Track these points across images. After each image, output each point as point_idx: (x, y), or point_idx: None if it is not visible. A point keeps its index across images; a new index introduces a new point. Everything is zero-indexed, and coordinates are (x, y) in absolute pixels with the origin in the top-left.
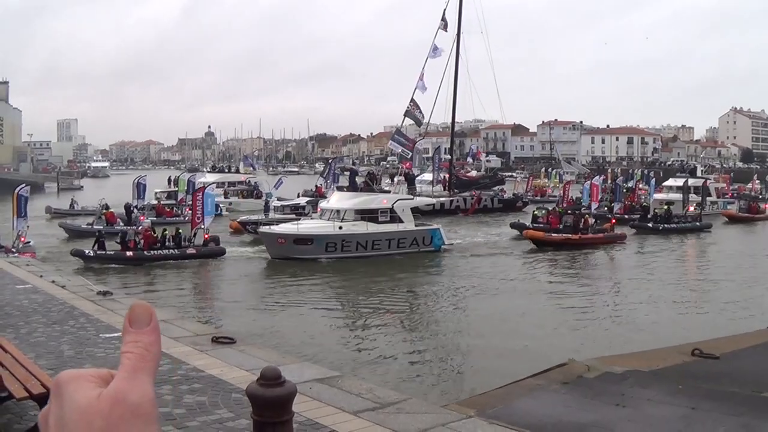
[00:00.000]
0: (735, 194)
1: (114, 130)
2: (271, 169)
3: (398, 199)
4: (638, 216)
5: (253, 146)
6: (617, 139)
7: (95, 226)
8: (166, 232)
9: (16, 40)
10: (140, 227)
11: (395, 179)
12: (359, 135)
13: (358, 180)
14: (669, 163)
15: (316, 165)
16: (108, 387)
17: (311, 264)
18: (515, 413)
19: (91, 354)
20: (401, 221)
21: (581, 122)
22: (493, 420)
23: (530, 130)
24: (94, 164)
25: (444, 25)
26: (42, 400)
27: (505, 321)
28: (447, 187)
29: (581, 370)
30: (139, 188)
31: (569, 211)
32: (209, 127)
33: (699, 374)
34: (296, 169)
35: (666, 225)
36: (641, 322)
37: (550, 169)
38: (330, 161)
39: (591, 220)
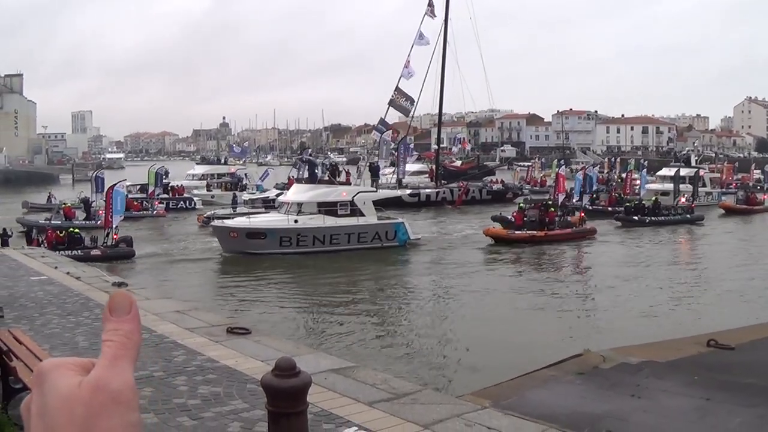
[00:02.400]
0: (738, 184)
1: (129, 122)
2: (286, 159)
3: (359, 192)
4: (623, 208)
5: (268, 137)
6: (632, 128)
7: (53, 222)
8: (77, 231)
9: (40, 34)
10: (99, 222)
11: (357, 170)
12: (373, 125)
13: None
14: (684, 152)
15: (330, 155)
16: (89, 375)
17: (264, 259)
18: (530, 404)
19: None
20: (362, 215)
21: (596, 112)
22: (508, 411)
23: (545, 120)
24: (108, 156)
25: (431, 10)
26: None
27: (517, 314)
28: (434, 179)
29: (597, 361)
30: (158, 178)
31: (533, 205)
32: (224, 118)
33: (714, 365)
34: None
35: (654, 218)
36: (655, 313)
37: (559, 159)
38: (302, 152)
39: (568, 214)
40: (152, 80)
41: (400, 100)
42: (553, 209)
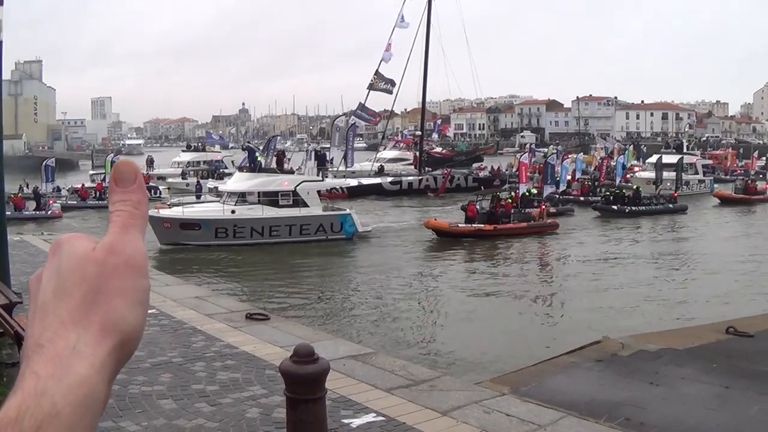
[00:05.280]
0: (743, 171)
1: (149, 108)
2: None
3: (302, 181)
4: (602, 198)
5: (288, 123)
6: (652, 114)
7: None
8: None
9: (73, 20)
10: (50, 212)
11: (303, 158)
12: (393, 111)
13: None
14: (704, 138)
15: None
16: (103, 240)
17: (199, 251)
18: (548, 391)
19: None
20: (306, 205)
21: (616, 98)
22: (527, 398)
23: (565, 106)
24: (128, 142)
25: None
26: None
27: (536, 301)
28: (417, 166)
29: (615, 348)
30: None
31: (481, 197)
32: (243, 104)
33: (733, 352)
34: (328, 145)
35: (634, 207)
36: (675, 300)
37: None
38: (271, 138)
39: (536, 207)
40: (175, 67)
41: (380, 84)
42: (510, 201)
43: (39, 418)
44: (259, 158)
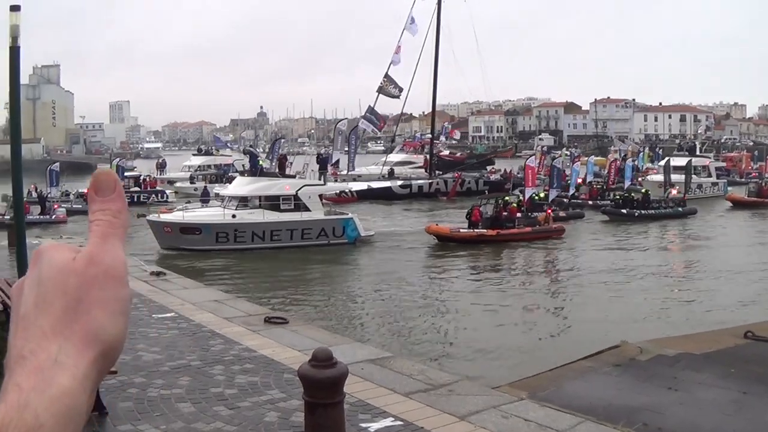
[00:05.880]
0: (757, 174)
1: (167, 112)
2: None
3: (304, 185)
4: (611, 201)
5: (306, 126)
6: (670, 116)
7: (5, 217)
8: None
9: (96, 22)
10: (54, 216)
11: (304, 162)
12: (411, 114)
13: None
14: (722, 141)
15: (369, 144)
16: (82, 251)
17: (200, 255)
18: (566, 396)
19: (144, 334)
20: (307, 209)
21: (634, 100)
22: (545, 402)
23: (582, 108)
24: (146, 145)
25: None
26: None
27: (548, 306)
28: (428, 169)
29: (634, 353)
30: (119, 171)
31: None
32: (261, 107)
33: (751, 357)
34: (347, 148)
35: (643, 211)
36: (691, 305)
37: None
38: (275, 140)
39: (547, 211)
40: (194, 70)
41: (389, 87)
42: (515, 205)
43: (22, 431)
44: (261, 162)
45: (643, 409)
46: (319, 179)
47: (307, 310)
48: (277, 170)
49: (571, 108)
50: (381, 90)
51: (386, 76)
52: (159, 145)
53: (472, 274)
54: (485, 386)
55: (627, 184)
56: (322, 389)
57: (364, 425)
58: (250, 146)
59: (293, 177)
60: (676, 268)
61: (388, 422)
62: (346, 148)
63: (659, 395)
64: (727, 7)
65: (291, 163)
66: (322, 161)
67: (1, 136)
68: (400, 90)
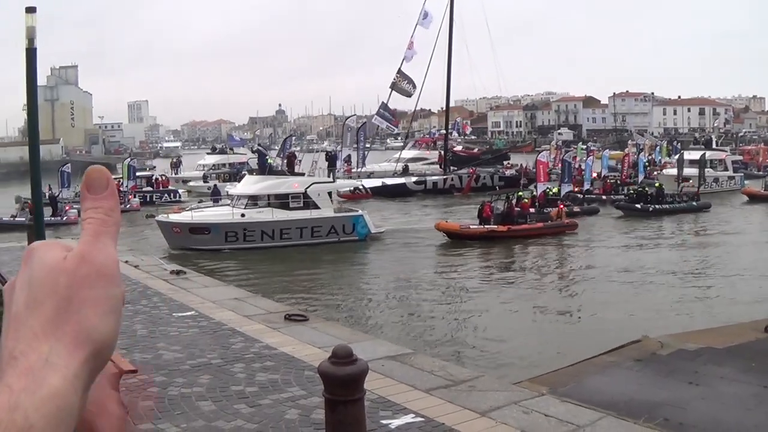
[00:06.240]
0: None
1: (185, 111)
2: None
3: (313, 183)
4: (625, 196)
5: (324, 123)
6: (689, 110)
7: (17, 219)
8: None
9: (120, 21)
10: (65, 218)
11: (313, 159)
12: (429, 110)
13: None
14: (741, 134)
15: (388, 141)
16: (74, 250)
17: (210, 254)
18: (588, 391)
19: (164, 333)
20: (317, 207)
21: (653, 93)
22: (566, 398)
23: (601, 102)
24: (165, 144)
25: None
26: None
27: (571, 300)
28: (442, 165)
29: (655, 347)
30: (131, 171)
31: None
32: (279, 105)
33: None
34: (368, 146)
35: (657, 206)
36: (710, 299)
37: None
38: (286, 138)
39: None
40: (212, 69)
41: (402, 83)
42: (526, 200)
43: None
44: (269, 160)
45: (665, 404)
46: (328, 176)
47: (325, 308)
48: (286, 168)
49: (590, 102)
50: (394, 86)
51: (399, 71)
52: (178, 144)
53: (486, 270)
54: (506, 382)
55: (640, 178)
56: (343, 386)
57: (385, 422)
58: (259, 145)
59: (302, 175)
60: (692, 263)
61: (408, 419)
62: (355, 145)
63: (680, 390)
64: (746, 0)
65: (300, 161)
66: (331, 158)
67: (21, 137)
68: (414, 86)
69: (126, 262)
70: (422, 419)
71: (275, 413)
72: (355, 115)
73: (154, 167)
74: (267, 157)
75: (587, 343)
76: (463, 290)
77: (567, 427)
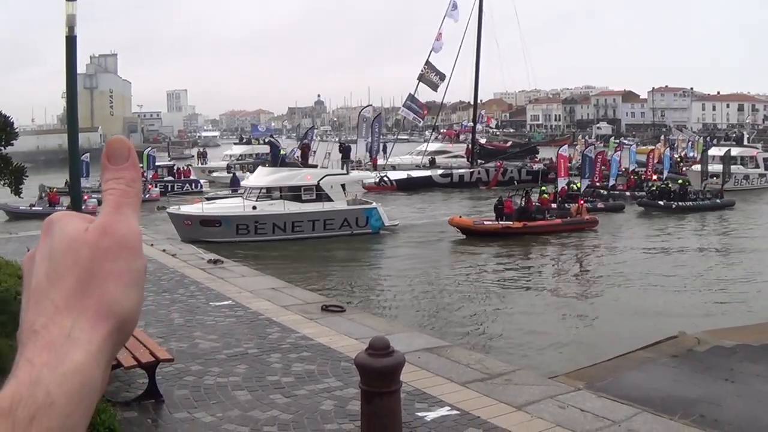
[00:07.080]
0: None
1: (224, 101)
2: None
3: (326, 175)
4: (647, 193)
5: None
6: (728, 106)
7: (35, 208)
8: None
9: (161, 11)
10: (84, 207)
11: (325, 151)
12: (468, 102)
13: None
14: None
15: (426, 133)
16: (95, 221)
17: (221, 246)
18: (624, 386)
19: (200, 322)
20: (330, 200)
21: (692, 89)
22: (602, 393)
23: (641, 97)
24: (204, 134)
25: None
26: (150, 368)
27: (603, 296)
28: (470, 158)
29: (691, 344)
30: (150, 161)
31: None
32: (318, 95)
33: None
34: (406, 137)
35: (680, 203)
36: (743, 297)
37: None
38: (308, 129)
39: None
40: (253, 59)
41: (430, 75)
42: (547, 195)
43: (32, 409)
44: (282, 152)
45: (700, 401)
46: (342, 168)
47: (357, 300)
48: (299, 160)
49: (629, 97)
50: (422, 78)
51: (427, 63)
52: (217, 133)
53: (504, 266)
54: (542, 376)
55: (665, 174)
56: (379, 378)
57: (420, 414)
58: (271, 136)
59: (315, 167)
60: (718, 261)
61: (444, 411)
62: (371, 137)
63: (716, 387)
64: None
65: (314, 152)
66: (345, 150)
67: (60, 125)
68: (442, 78)
69: (164, 250)
70: (458, 412)
71: (311, 404)
72: (370, 105)
73: (192, 156)
74: (279, 148)
75: (623, 339)
76: (485, 286)
77: (602, 423)
